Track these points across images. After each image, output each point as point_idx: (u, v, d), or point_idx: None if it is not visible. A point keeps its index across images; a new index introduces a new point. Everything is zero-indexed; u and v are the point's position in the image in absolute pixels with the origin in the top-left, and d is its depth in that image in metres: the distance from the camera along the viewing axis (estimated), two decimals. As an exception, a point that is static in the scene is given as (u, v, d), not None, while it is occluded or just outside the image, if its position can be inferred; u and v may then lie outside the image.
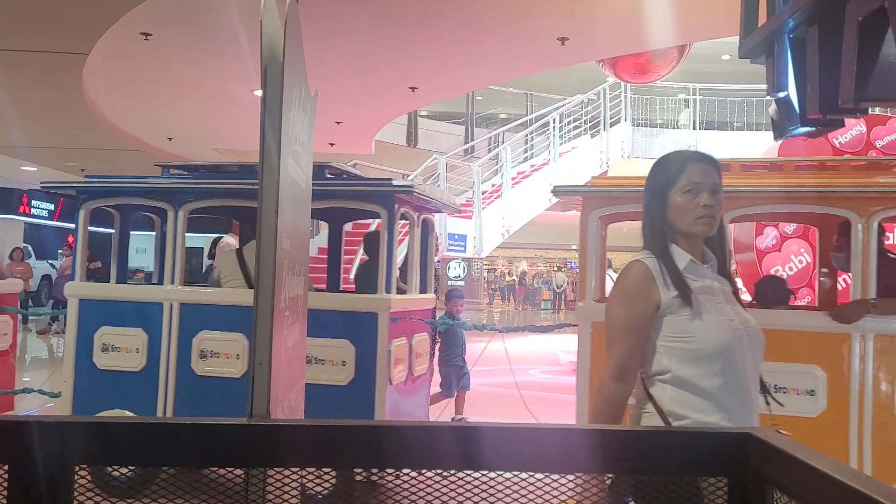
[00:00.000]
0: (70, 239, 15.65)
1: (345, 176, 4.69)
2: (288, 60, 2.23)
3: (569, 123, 16.15)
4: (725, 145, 14.92)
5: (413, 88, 9.38)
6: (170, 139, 13.10)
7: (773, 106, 1.76)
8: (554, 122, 15.37)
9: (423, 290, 5.12)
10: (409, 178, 13.91)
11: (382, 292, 4.25)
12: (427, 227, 5.18)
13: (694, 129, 16.53)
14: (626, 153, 15.90)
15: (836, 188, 3.70)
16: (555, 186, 4.37)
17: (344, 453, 1.62)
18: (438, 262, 14.37)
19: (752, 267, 9.42)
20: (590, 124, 16.16)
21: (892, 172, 3.93)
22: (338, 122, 10.78)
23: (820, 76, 1.54)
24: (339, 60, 8.30)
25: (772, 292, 4.34)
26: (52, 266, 16.52)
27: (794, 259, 9.14)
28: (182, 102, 10.57)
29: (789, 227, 9.21)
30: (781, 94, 1.73)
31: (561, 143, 15.68)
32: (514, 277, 34.06)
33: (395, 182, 4.42)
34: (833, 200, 3.69)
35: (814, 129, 1.70)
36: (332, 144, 12.12)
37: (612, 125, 15.78)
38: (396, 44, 7.91)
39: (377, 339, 4.16)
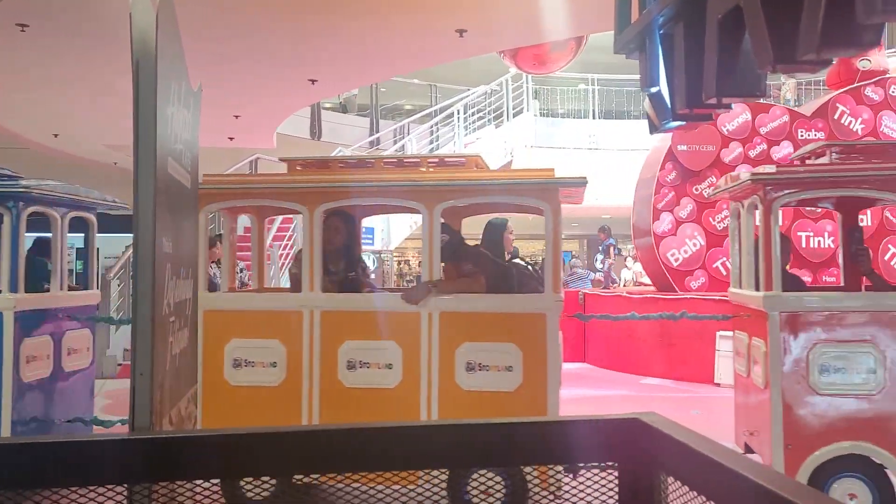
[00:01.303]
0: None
1: None
2: (162, 55, 2.13)
3: (473, 114, 16.29)
4: (624, 134, 15.41)
5: (313, 81, 9.20)
6: (55, 135, 12.37)
7: (647, 101, 1.81)
8: (458, 113, 15.47)
9: (86, 286, 5.27)
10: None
11: (7, 292, 4.35)
12: (87, 227, 5.23)
13: (594, 118, 16.96)
14: (530, 143, 16.17)
15: (405, 182, 4.26)
16: None
17: (234, 463, 1.56)
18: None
19: (650, 251, 9.80)
20: (494, 115, 16.35)
21: (456, 168, 4.52)
22: (236, 116, 10.46)
23: (686, 72, 1.59)
24: (235, 53, 8.04)
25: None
26: None
27: (688, 242, 9.55)
28: (65, 96, 10.00)
29: (683, 212, 9.60)
30: (653, 90, 1.78)
31: (466, 134, 15.80)
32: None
33: (21, 182, 4.48)
34: (409, 193, 4.20)
35: (684, 122, 1.76)
36: (231, 139, 11.76)
37: (515, 115, 16.01)
38: (294, 36, 7.74)
39: (2, 339, 4.31)
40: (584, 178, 4.17)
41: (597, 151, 15.66)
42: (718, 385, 7.96)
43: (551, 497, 1.51)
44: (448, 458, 1.56)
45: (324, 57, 8.39)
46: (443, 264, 4.33)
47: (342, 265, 4.54)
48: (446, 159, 4.87)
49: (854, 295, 4.39)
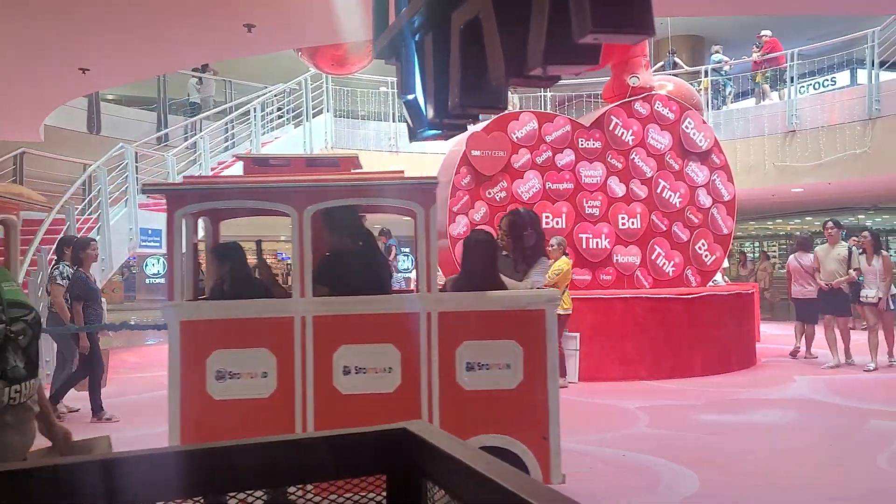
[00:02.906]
0: None
1: None
2: None
3: (271, 112, 15.81)
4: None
5: (84, 70, 8.36)
6: None
7: (404, 108, 1.77)
8: (255, 111, 14.93)
9: None
10: (91, 168, 12.52)
11: None
12: None
13: (394, 121, 17.13)
14: (330, 144, 16.00)
15: None
16: None
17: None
18: (134, 258, 13.19)
19: (446, 253, 10.03)
20: (293, 114, 15.98)
21: None
22: (-8, 105, 9.28)
23: (436, 82, 1.55)
24: (-14, 33, 7.09)
25: None
26: None
27: (482, 244, 9.87)
28: None
29: (477, 215, 9.94)
30: (409, 97, 1.74)
31: (263, 133, 15.30)
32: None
33: None
34: None
35: (440, 132, 1.73)
36: (-13, 130, 10.42)
37: (314, 115, 15.75)
38: (61, 20, 6.97)
39: None
40: None
41: (397, 154, 15.83)
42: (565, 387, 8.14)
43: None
44: (200, 484, 1.42)
45: (96, 45, 7.65)
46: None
47: None
48: None
49: (240, 303, 4.30)
